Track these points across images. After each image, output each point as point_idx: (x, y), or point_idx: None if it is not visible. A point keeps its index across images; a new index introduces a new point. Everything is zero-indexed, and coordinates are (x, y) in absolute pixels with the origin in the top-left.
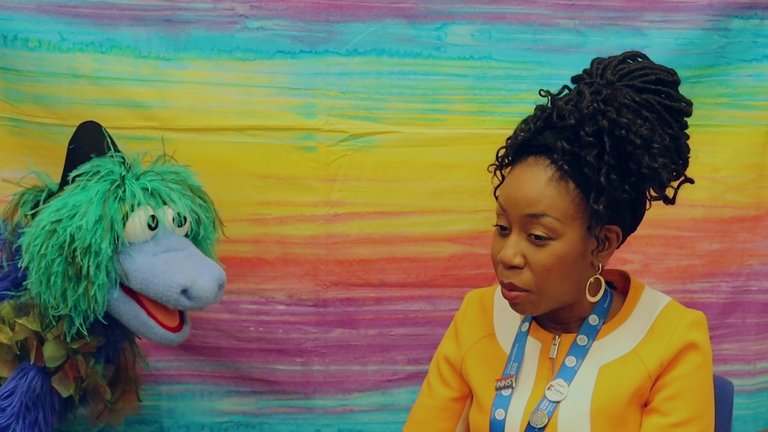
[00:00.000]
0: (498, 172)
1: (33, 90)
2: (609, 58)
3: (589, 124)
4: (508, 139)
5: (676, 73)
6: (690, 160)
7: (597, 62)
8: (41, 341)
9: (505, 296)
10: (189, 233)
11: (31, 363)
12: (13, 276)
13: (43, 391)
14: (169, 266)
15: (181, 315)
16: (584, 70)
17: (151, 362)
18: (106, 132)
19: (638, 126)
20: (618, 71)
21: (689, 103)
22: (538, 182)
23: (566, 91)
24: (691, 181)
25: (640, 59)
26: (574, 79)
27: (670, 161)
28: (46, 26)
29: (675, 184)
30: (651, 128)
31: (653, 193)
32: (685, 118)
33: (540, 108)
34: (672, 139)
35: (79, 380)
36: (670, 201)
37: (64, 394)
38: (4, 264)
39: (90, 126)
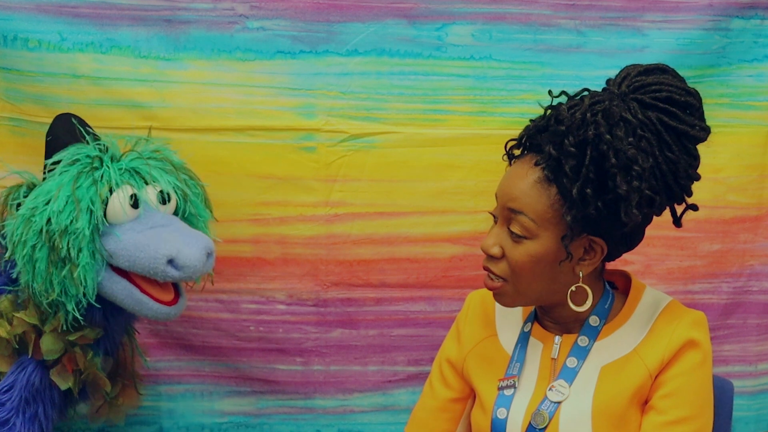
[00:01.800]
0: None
1: (33, 90)
2: (635, 66)
3: (575, 133)
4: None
5: (693, 94)
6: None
7: (625, 69)
8: (39, 335)
9: (485, 285)
10: (177, 211)
11: (30, 356)
12: (10, 272)
13: (42, 384)
14: (154, 240)
15: (176, 289)
16: (617, 75)
17: (152, 362)
18: (81, 121)
19: (625, 144)
20: (634, 82)
21: (702, 129)
22: (524, 180)
23: (585, 93)
24: (695, 208)
25: (665, 74)
26: (607, 82)
27: (656, 186)
28: (46, 26)
29: (680, 209)
30: (642, 148)
31: (624, 218)
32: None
33: (550, 107)
34: (669, 162)
35: (77, 373)
36: (676, 223)
37: (63, 386)
38: (1, 261)
39: (66, 117)
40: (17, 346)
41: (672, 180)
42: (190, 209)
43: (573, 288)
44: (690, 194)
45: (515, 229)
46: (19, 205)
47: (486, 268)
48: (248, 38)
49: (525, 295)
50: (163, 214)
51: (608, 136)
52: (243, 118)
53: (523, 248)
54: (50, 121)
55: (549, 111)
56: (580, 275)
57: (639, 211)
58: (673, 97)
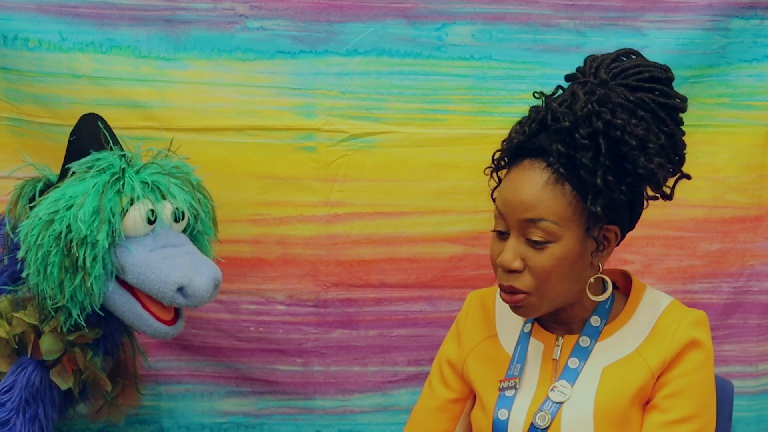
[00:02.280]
0: (494, 175)
1: (33, 90)
2: (602, 55)
3: (583, 126)
4: (504, 141)
5: (669, 70)
6: (690, 159)
7: (590, 60)
8: (39, 335)
9: (505, 300)
10: (186, 228)
11: (29, 357)
12: (10, 270)
13: (42, 385)
14: (167, 263)
15: (176, 309)
16: (578, 69)
17: (152, 362)
18: (107, 125)
19: (633, 126)
20: (611, 70)
21: (684, 99)
22: (534, 186)
23: (560, 92)
24: (688, 177)
25: (633, 57)
26: (568, 78)
27: (666, 160)
28: (46, 26)
29: (672, 180)
30: (646, 128)
31: (650, 192)
32: (681, 115)
33: (534, 109)
34: (667, 136)
35: (77, 373)
36: (668, 197)
37: (63, 386)
38: (4, 258)
39: (92, 118)
40: (17, 347)
41: (672, 153)
42: (199, 227)
43: (591, 280)
44: (684, 163)
45: (536, 236)
46: (33, 199)
47: (508, 287)
48: (248, 38)
49: (551, 302)
50: (176, 233)
51: (619, 121)
52: (243, 118)
53: (548, 253)
54: (50, 121)
55: (540, 113)
56: (599, 266)
57: (665, 183)
58: (655, 75)
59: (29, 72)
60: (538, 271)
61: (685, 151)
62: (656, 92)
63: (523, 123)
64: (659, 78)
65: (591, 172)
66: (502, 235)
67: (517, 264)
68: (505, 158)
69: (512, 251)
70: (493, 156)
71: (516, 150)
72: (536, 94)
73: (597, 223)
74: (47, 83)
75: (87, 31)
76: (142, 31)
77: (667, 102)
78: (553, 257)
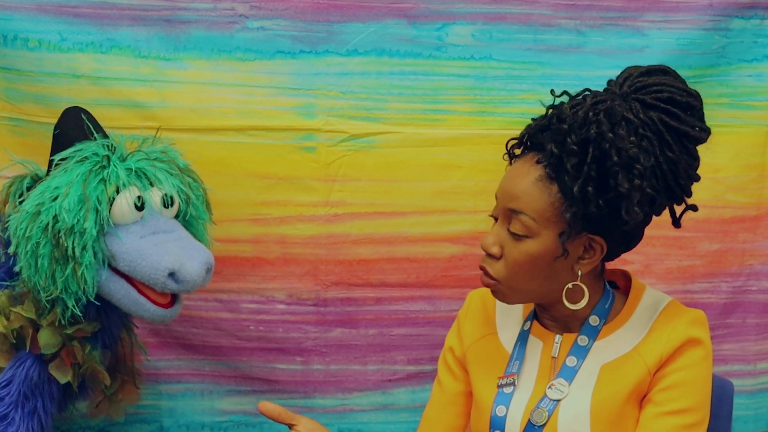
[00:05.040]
0: (511, 161)
1: (33, 90)
2: (636, 67)
3: (577, 131)
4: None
5: (694, 96)
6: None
7: (627, 70)
8: (37, 329)
9: (481, 281)
10: (179, 213)
11: (28, 351)
12: (8, 266)
13: (40, 379)
14: (157, 249)
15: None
16: (619, 75)
17: (152, 361)
18: (90, 116)
19: (626, 143)
20: (636, 83)
21: (706, 131)
22: (524, 179)
23: (587, 93)
24: (694, 209)
25: (664, 74)
26: (609, 82)
27: (658, 186)
28: (46, 26)
29: (679, 209)
30: (643, 148)
31: (625, 216)
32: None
33: (551, 107)
34: (669, 162)
35: (76, 366)
36: (675, 224)
37: (62, 380)
38: (0, 256)
39: (75, 111)
40: (15, 341)
41: (672, 180)
42: (192, 212)
43: (570, 285)
44: (689, 195)
45: (516, 228)
46: (21, 196)
47: (482, 268)
48: (248, 38)
49: (522, 293)
50: (166, 219)
51: (610, 135)
52: (243, 118)
53: (523, 247)
54: (50, 120)
55: (551, 110)
56: (579, 274)
57: (640, 210)
58: (675, 97)
59: (29, 72)
60: (510, 263)
61: (691, 182)
62: (670, 115)
63: (538, 118)
64: (677, 101)
65: (572, 178)
66: (495, 220)
67: (495, 250)
68: (517, 148)
69: (493, 236)
70: (507, 144)
71: (526, 141)
72: (554, 92)
73: (573, 230)
74: (47, 83)
75: (87, 31)
76: (142, 31)
77: (678, 127)
78: (526, 253)
